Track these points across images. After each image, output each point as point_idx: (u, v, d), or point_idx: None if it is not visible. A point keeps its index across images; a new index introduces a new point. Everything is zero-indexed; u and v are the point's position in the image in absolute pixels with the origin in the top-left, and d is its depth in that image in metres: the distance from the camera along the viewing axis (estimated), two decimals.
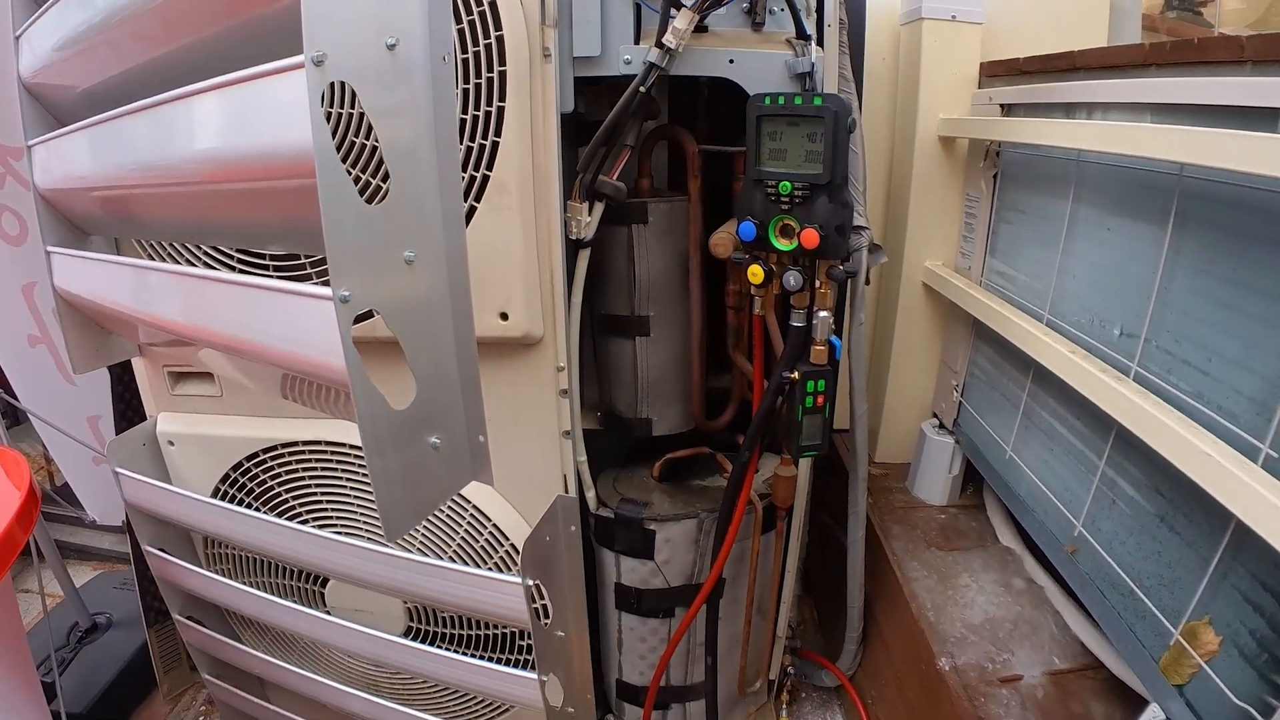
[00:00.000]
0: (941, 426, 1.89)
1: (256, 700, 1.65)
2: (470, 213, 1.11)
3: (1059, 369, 1.28)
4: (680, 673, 1.56)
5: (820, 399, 1.26)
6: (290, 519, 1.42)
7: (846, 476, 2.00)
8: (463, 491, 1.29)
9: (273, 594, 1.52)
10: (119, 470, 1.38)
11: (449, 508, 1.30)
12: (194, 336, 0.99)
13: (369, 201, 0.69)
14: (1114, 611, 1.22)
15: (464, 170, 1.09)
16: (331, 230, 0.66)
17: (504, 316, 1.17)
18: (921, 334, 1.92)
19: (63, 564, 2.22)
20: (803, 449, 1.29)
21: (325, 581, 1.46)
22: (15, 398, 2.09)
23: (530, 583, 1.04)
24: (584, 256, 1.25)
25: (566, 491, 1.32)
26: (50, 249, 1.22)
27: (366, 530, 1.37)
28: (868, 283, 1.47)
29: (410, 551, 1.25)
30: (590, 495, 1.39)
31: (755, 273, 1.18)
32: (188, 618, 1.60)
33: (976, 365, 1.75)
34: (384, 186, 0.71)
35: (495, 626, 1.39)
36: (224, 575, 1.56)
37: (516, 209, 1.10)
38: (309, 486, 1.40)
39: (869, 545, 1.67)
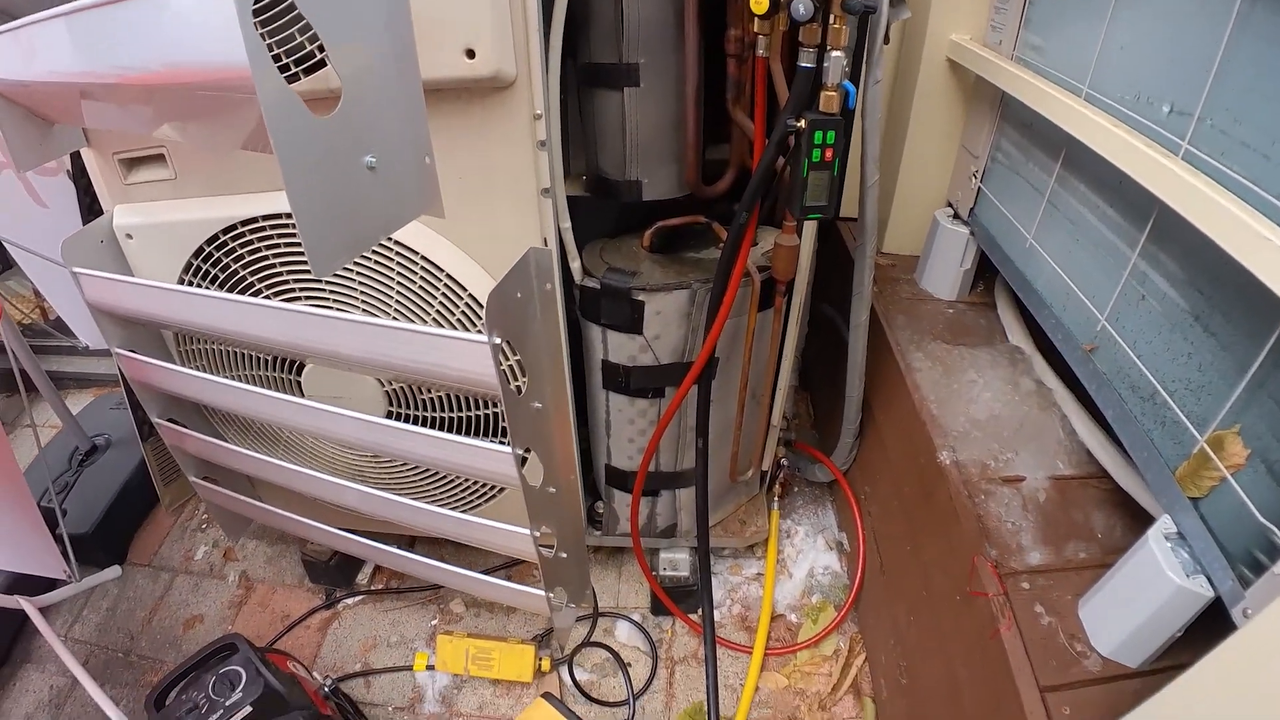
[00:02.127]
0: (956, 216, 1.77)
1: (247, 500, 1.63)
2: None
3: (1098, 144, 1.14)
4: (670, 457, 1.51)
5: (829, 153, 1.14)
6: None
7: (849, 267, 1.92)
8: (435, 259, 1.20)
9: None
10: (76, 270, 1.30)
11: (421, 276, 1.21)
12: (87, 80, 0.86)
13: None
14: (1131, 415, 1.14)
15: None
16: None
17: (470, 54, 1.02)
18: (941, 116, 1.76)
19: (57, 392, 2.19)
20: (807, 210, 1.19)
21: (300, 370, 1.39)
22: None
23: (496, 340, 0.95)
24: None
25: None
26: None
27: (335, 306, 1.29)
28: (887, 41, 1.31)
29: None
30: (575, 266, 1.28)
31: (759, 0, 1.03)
32: (169, 420, 1.55)
33: (1000, 149, 1.61)
34: None
35: (478, 406, 1.33)
36: (200, 371, 1.51)
37: None
38: (273, 265, 1.31)
39: (871, 335, 1.58)
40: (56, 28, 0.86)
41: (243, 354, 1.45)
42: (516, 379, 1.11)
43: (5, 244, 2.09)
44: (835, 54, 1.06)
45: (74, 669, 1.63)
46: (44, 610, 1.85)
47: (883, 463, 1.68)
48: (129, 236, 1.36)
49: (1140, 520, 1.19)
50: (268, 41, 0.70)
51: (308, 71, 0.79)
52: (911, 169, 1.84)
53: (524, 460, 1.08)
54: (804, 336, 1.57)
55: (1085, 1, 1.28)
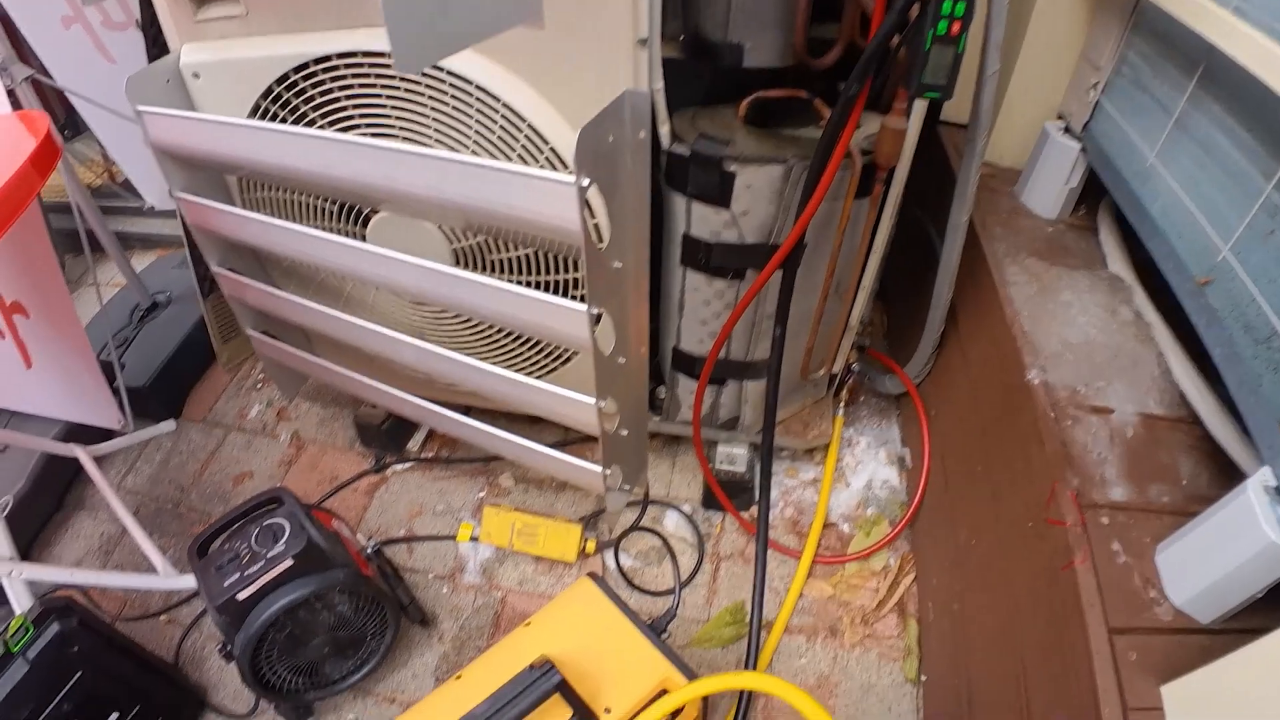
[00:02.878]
0: (1067, 130, 1.64)
1: (303, 354, 1.61)
2: None
3: (1246, 57, 1.01)
4: (742, 345, 1.44)
5: (956, 26, 1.03)
6: None
7: (943, 173, 1.80)
8: (517, 108, 1.12)
9: None
10: (140, 108, 1.26)
11: (501, 124, 1.13)
12: None
13: None
14: (1240, 357, 1.04)
15: None
16: None
17: None
18: (1062, 21, 1.60)
19: (121, 250, 2.19)
20: (924, 88, 1.08)
21: (365, 223, 1.34)
22: (48, 76, 1.96)
23: (585, 183, 0.88)
24: None
25: None
26: None
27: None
28: None
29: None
30: (664, 130, 1.19)
31: None
32: (228, 269, 1.53)
33: (1126, 62, 1.47)
34: None
35: (548, 270, 1.27)
36: None
37: None
38: (344, 107, 1.24)
39: (965, 244, 1.48)
40: None
41: (307, 204, 1.40)
42: (600, 238, 1.05)
43: (73, 99, 2.07)
44: None
45: (123, 517, 1.66)
46: (98, 459, 1.89)
47: (961, 377, 1.59)
48: (196, 75, 1.31)
49: (1227, 474, 1.12)
50: None
51: None
52: (1024, 75, 1.70)
53: (598, 320, 1.02)
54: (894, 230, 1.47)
55: None
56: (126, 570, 1.81)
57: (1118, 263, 1.53)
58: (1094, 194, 1.60)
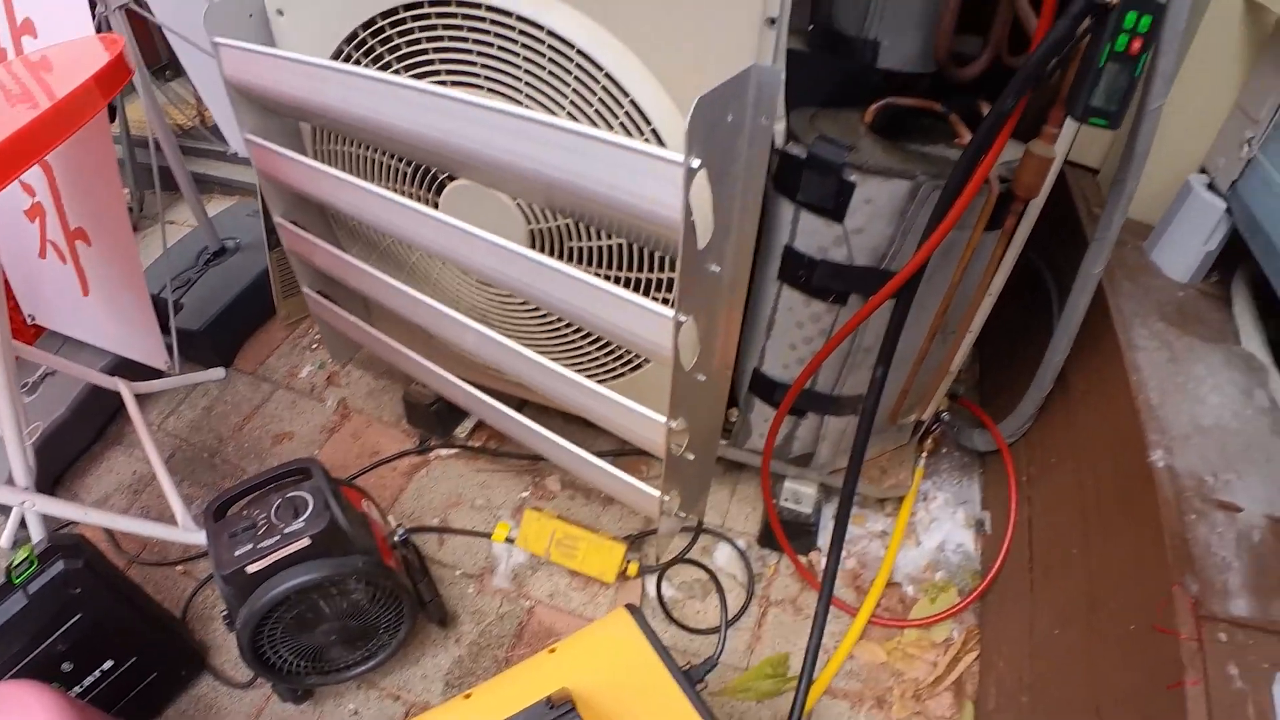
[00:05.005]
0: (1211, 186, 1.47)
1: (357, 321, 1.53)
2: None
3: None
4: (831, 377, 1.30)
5: (1137, 44, 0.90)
6: None
7: (1068, 216, 1.65)
8: (620, 80, 1.00)
9: None
10: (217, 40, 1.21)
11: (601, 98, 1.02)
12: None
13: None
14: None
15: None
16: None
17: None
18: (1219, 63, 1.43)
19: (195, 190, 2.16)
20: (1091, 111, 0.95)
21: (439, 190, 1.24)
22: (146, 8, 1.93)
23: (694, 164, 0.75)
24: None
25: None
26: None
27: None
28: None
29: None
30: (779, 126, 1.06)
31: None
32: (291, 221, 1.45)
33: None
34: None
35: (634, 268, 1.15)
36: None
37: None
38: (431, 60, 1.15)
39: None
40: None
41: (381, 163, 1.31)
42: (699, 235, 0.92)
43: (169, 36, 2.03)
44: None
45: (154, 460, 1.60)
46: (142, 398, 1.84)
47: (1065, 444, 1.43)
48: (280, 13, 1.25)
49: None
50: None
51: None
52: (1169, 119, 1.51)
53: (681, 327, 0.89)
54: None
55: None
56: (151, 513, 1.77)
57: (1253, 340, 1.36)
58: (1230, 259, 1.43)
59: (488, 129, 0.92)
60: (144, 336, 1.82)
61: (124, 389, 1.79)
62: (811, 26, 1.13)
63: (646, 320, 0.92)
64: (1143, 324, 1.36)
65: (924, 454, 1.65)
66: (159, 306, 1.82)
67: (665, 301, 0.93)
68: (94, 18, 1.49)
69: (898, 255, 1.12)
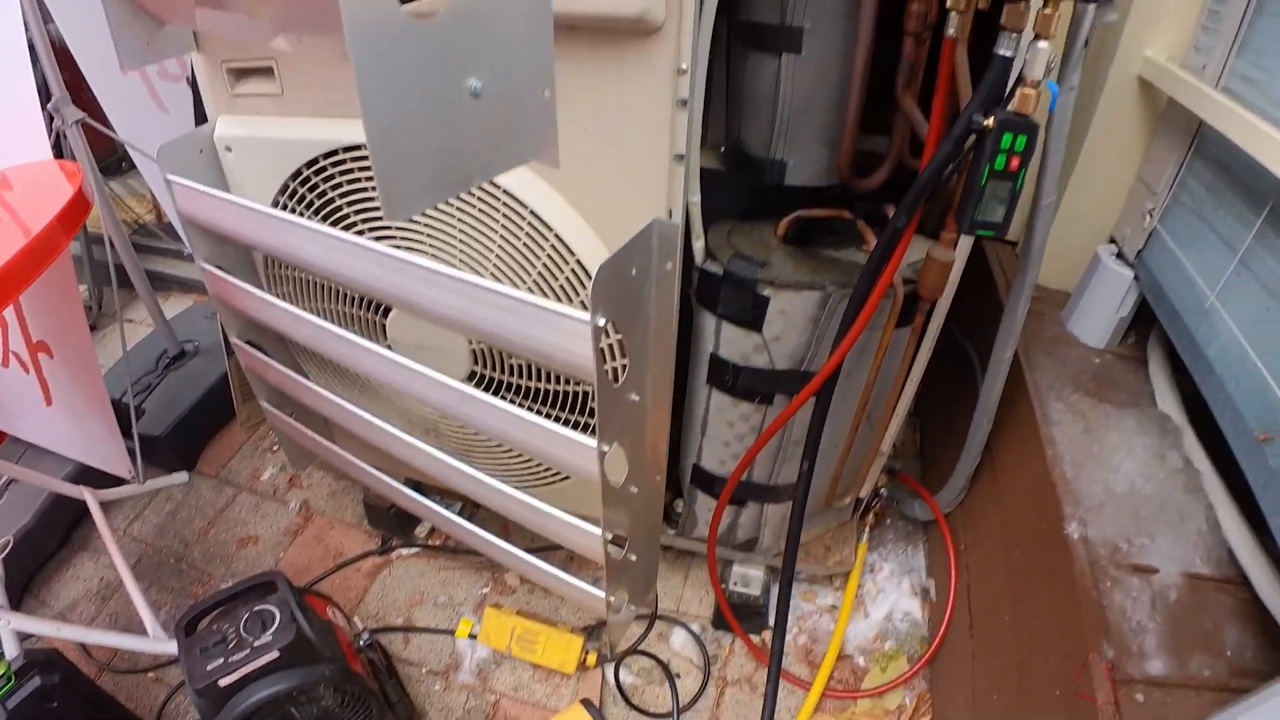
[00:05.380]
0: (1120, 255, 1.57)
1: (313, 436, 1.57)
2: None
3: None
4: (766, 470, 1.37)
5: (1015, 161, 0.97)
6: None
7: (988, 289, 1.73)
8: (545, 216, 1.09)
9: (333, 322, 1.40)
10: (170, 177, 1.26)
11: (527, 232, 1.10)
12: None
13: None
14: None
15: None
16: None
17: None
18: (1120, 140, 1.54)
19: (152, 292, 2.20)
20: (978, 224, 1.02)
21: (387, 312, 1.31)
22: (113, 130, 2.00)
23: (600, 322, 0.82)
24: None
25: None
26: None
27: (431, 252, 1.20)
28: (1086, 43, 1.13)
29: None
30: (698, 245, 1.15)
31: None
32: (247, 342, 1.50)
33: (1185, 189, 1.40)
34: None
35: (569, 381, 1.22)
36: (284, 299, 1.45)
37: None
38: (372, 198, 1.23)
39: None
40: None
41: (330, 285, 1.37)
42: (615, 360, 0.99)
43: (125, 144, 2.10)
44: (1042, 44, 0.90)
45: (121, 570, 1.63)
46: (107, 504, 1.87)
47: (994, 515, 1.50)
48: (229, 149, 1.31)
49: (1275, 643, 1.03)
50: None
51: None
52: (1077, 195, 1.63)
53: (605, 456, 0.96)
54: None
55: None
56: (120, 619, 1.78)
57: (1168, 400, 1.44)
58: (1145, 321, 1.52)
59: (414, 280, 0.98)
60: (107, 445, 1.84)
61: (89, 497, 1.81)
62: (724, 148, 1.22)
63: (573, 449, 0.98)
64: (1058, 397, 1.44)
65: (866, 529, 1.71)
66: (120, 412, 1.85)
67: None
68: (50, 131, 1.54)
69: (815, 358, 1.20)
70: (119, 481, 1.94)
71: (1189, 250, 1.36)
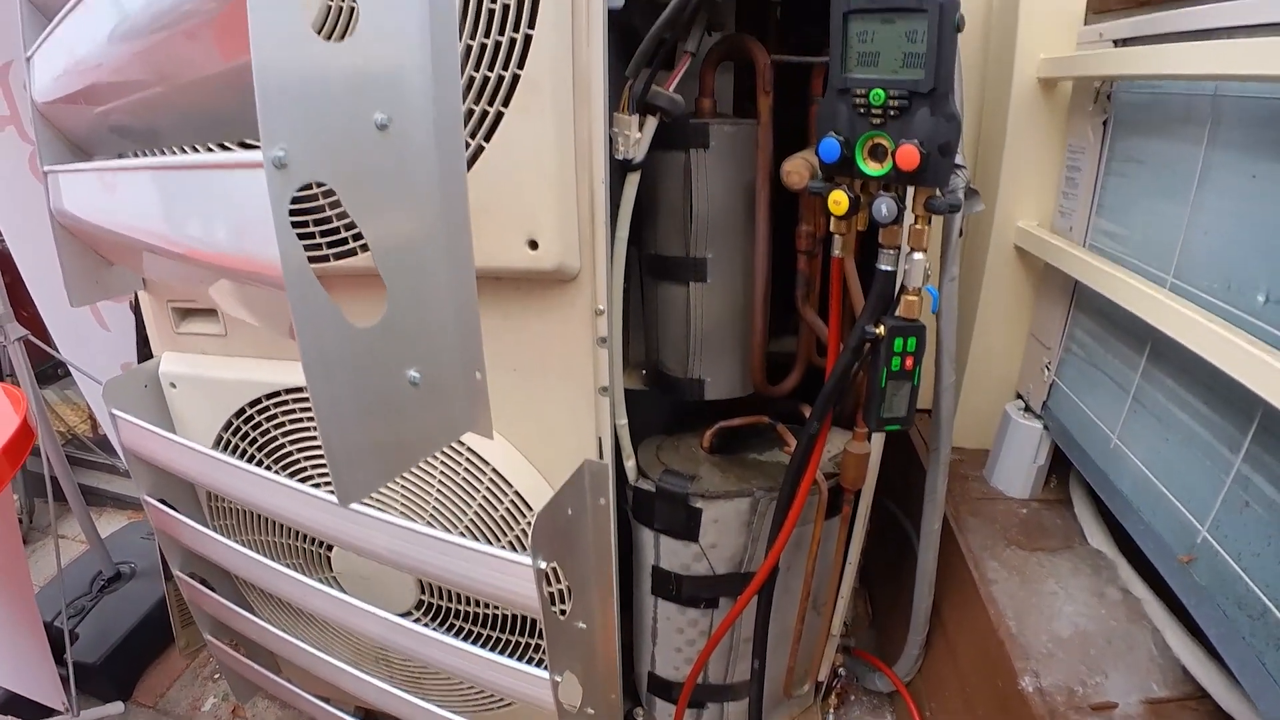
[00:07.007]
0: (1028, 409, 1.67)
1: (259, 669, 1.53)
2: (496, 120, 0.92)
3: (1186, 338, 1.05)
4: (720, 670, 1.38)
5: (909, 361, 1.06)
6: (294, 474, 1.29)
7: (912, 456, 1.80)
8: (481, 452, 1.13)
9: (277, 554, 1.40)
10: (115, 413, 1.28)
11: (465, 468, 1.14)
12: (142, 240, 0.83)
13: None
14: (1237, 635, 1.01)
15: (490, 70, 0.91)
16: (264, 73, 0.47)
17: (533, 245, 0.97)
18: (1009, 304, 1.68)
19: (87, 510, 2.15)
20: (884, 421, 1.09)
21: (331, 544, 1.31)
22: (55, 348, 2.01)
23: (541, 564, 0.86)
24: (632, 181, 1.06)
25: (602, 457, 1.13)
26: (48, 168, 1.07)
27: (374, 494, 1.22)
28: (961, 233, 1.26)
29: (418, 520, 1.09)
30: (630, 464, 1.20)
31: (838, 200, 0.96)
32: (189, 574, 1.48)
33: (1074, 340, 1.52)
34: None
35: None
36: (228, 531, 1.45)
37: (550, 114, 0.91)
38: (315, 438, 1.25)
39: (941, 539, 1.46)
40: (141, 180, 0.82)
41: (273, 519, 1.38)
42: (558, 582, 1.02)
43: (66, 362, 2.11)
44: (917, 256, 0.99)
45: None
46: None
47: (953, 677, 1.52)
48: (173, 385, 1.34)
49: None
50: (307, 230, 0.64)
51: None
52: (979, 360, 1.75)
53: (558, 685, 0.97)
54: (867, 536, 1.46)
55: (1161, 186, 1.21)
56: None
57: (1097, 536, 1.50)
58: (1064, 463, 1.59)
59: (358, 526, 1.01)
60: (39, 676, 1.74)
61: None
62: (644, 370, 1.30)
63: (524, 680, 0.99)
64: (992, 555, 1.49)
65: (830, 711, 1.70)
66: (53, 637, 1.77)
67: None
68: None
69: (753, 558, 1.24)
70: (50, 712, 1.83)
71: (1087, 397, 1.45)
